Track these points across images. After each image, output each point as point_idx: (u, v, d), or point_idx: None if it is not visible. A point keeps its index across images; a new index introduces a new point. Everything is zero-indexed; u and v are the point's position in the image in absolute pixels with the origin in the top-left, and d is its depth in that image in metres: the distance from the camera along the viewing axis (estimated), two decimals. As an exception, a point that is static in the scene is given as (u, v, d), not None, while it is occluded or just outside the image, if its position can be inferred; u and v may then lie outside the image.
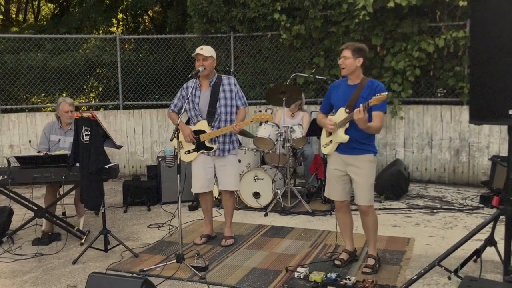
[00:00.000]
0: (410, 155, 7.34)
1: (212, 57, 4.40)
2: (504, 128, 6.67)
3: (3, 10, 15.03)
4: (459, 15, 6.79)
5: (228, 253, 4.35)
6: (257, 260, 4.16)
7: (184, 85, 4.57)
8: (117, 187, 7.15)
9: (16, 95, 8.34)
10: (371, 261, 3.85)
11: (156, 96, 8.96)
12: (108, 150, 4.55)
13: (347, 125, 3.69)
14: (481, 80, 3.09)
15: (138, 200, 6.15)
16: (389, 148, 7.43)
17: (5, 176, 4.44)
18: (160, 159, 6.27)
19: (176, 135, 3.98)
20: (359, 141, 3.72)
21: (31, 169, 4.52)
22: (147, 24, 14.04)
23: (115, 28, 13.52)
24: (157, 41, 8.61)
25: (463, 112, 6.92)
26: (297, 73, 7.46)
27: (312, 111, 6.78)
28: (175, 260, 3.91)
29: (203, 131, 4.43)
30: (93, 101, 10.20)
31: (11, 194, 4.55)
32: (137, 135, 8.28)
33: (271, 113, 6.47)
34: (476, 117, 3.16)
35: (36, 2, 15.47)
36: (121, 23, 13.92)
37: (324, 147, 3.93)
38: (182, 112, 4.27)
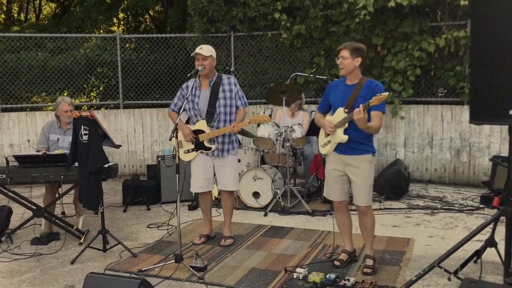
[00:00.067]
0: (411, 155, 7.31)
1: (212, 56, 4.38)
2: (505, 128, 6.62)
3: (5, 9, 15.03)
4: (460, 15, 6.76)
5: (227, 253, 4.33)
6: (256, 261, 4.14)
7: (184, 85, 4.55)
8: (117, 187, 7.14)
9: (16, 94, 8.33)
10: (370, 262, 3.84)
11: (157, 96, 8.95)
12: (108, 149, 4.54)
13: (346, 125, 3.68)
14: (481, 80, 3.07)
15: (138, 200, 6.13)
16: (390, 148, 7.41)
17: (4, 176, 4.43)
18: (159, 159, 6.26)
19: (175, 134, 3.97)
20: (358, 141, 3.70)
21: (29, 169, 4.51)
22: (148, 23, 14.03)
23: (116, 28, 13.50)
24: (157, 40, 8.60)
25: (464, 112, 6.89)
26: (297, 73, 7.44)
27: (312, 111, 6.76)
28: (173, 260, 3.90)
29: (202, 131, 4.42)
30: (94, 100, 10.19)
31: (9, 193, 4.55)
32: (137, 134, 8.27)
33: (271, 113, 6.47)
34: (477, 117, 3.13)
35: (38, 2, 15.47)
36: (122, 22, 13.92)
37: (323, 147, 3.91)
38: (181, 111, 4.26)
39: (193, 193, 5.55)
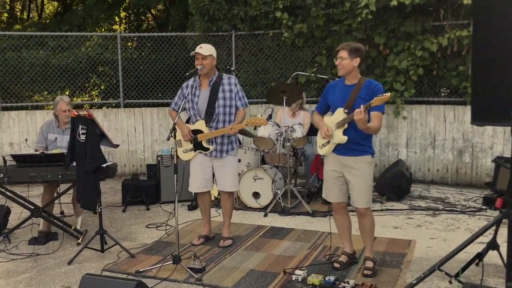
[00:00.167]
0: (413, 156, 7.26)
1: (212, 55, 4.33)
2: (508, 129, 6.56)
3: (8, 8, 15.03)
4: (463, 14, 6.69)
5: (226, 254, 4.29)
6: (255, 262, 4.10)
7: (185, 84, 4.51)
8: (116, 186, 7.10)
9: (16, 93, 8.31)
10: (370, 264, 3.79)
11: (159, 95, 8.91)
12: (109, 148, 4.50)
13: (346, 125, 3.63)
14: (483, 80, 3.00)
15: (137, 200, 6.10)
16: (392, 148, 7.35)
17: (1, 175, 4.40)
18: (159, 158, 6.22)
19: (173, 134, 3.94)
20: (357, 142, 3.65)
21: (27, 168, 4.48)
22: (150, 22, 13.99)
23: (117, 26, 13.47)
24: (158, 39, 8.56)
25: (467, 112, 6.83)
26: (298, 72, 7.39)
27: (313, 111, 6.69)
28: (171, 261, 3.86)
29: (201, 131, 4.38)
30: (96, 99, 10.16)
31: (7, 192, 4.52)
32: (138, 133, 8.23)
33: (272, 112, 6.42)
34: (478, 118, 3.06)
35: (40, 0, 15.47)
36: (123, 21, 13.88)
37: (321, 148, 3.86)
38: (180, 110, 4.22)
39: (193, 193, 5.51)
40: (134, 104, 8.60)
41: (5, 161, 4.48)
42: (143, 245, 4.60)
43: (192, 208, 5.88)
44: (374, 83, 3.65)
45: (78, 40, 9.10)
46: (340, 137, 3.65)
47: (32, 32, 10.14)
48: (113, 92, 8.62)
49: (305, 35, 7.54)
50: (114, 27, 13.36)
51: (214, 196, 5.89)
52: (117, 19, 13.43)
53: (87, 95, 10.28)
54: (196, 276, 3.72)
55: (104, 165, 4.30)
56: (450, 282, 3.47)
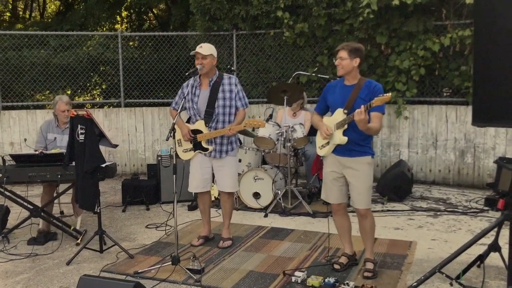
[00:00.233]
0: (414, 156, 7.22)
1: (212, 55, 4.30)
2: (511, 129, 6.55)
3: (10, 7, 15.04)
4: (466, 14, 6.64)
5: (225, 255, 4.26)
6: (255, 263, 4.07)
7: (185, 83, 4.49)
8: (117, 186, 7.08)
9: (18, 92, 8.30)
10: (370, 265, 3.76)
11: (161, 94, 8.89)
12: (109, 148, 4.47)
13: (346, 126, 3.60)
14: (484, 80, 2.96)
15: (137, 200, 6.08)
16: (393, 148, 7.31)
17: (0, 175, 4.38)
18: (159, 158, 6.20)
19: (172, 134, 3.91)
20: (357, 143, 3.62)
21: (26, 168, 4.47)
22: (152, 21, 13.97)
23: (119, 26, 13.46)
24: (160, 38, 8.54)
25: (469, 113, 6.76)
26: (299, 72, 7.36)
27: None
28: (170, 262, 3.84)
29: (200, 131, 4.35)
30: (98, 99, 10.15)
31: (6, 192, 4.50)
32: (139, 133, 8.21)
33: (272, 112, 6.38)
34: (479, 119, 3.02)
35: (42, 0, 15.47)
36: (125, 20, 13.87)
37: (320, 149, 3.83)
38: (179, 110, 4.20)
39: (193, 193, 5.48)
40: (135, 103, 8.58)
41: (4, 161, 4.47)
42: (143, 245, 4.58)
43: (192, 208, 5.86)
44: (373, 83, 3.62)
45: (80, 39, 9.08)
46: (340, 138, 3.62)
47: (34, 31, 10.12)
48: (114, 92, 8.60)
49: (306, 34, 7.50)
50: (116, 26, 13.35)
51: (214, 196, 5.86)
52: (118, 18, 13.42)
53: (88, 95, 10.26)
54: (195, 277, 3.70)
55: (103, 165, 4.27)
56: (451, 285, 3.44)
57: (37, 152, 4.62)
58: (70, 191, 4.99)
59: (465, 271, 3.47)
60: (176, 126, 4.17)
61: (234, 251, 4.39)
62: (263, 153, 6.16)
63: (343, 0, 7.12)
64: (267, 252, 4.35)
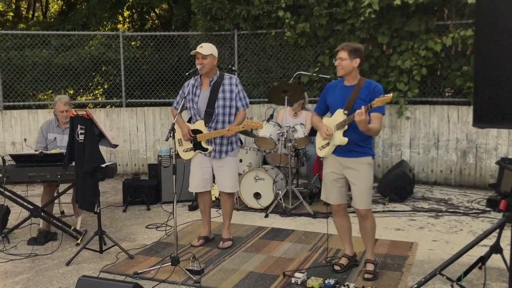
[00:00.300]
0: (416, 156, 7.19)
1: (212, 55, 4.29)
2: (513, 130, 6.52)
3: (13, 7, 15.05)
4: (468, 13, 6.61)
5: (225, 256, 4.25)
6: (255, 264, 4.06)
7: (186, 83, 4.48)
8: (118, 186, 7.07)
9: (19, 91, 8.31)
10: (371, 267, 3.75)
11: (162, 94, 8.88)
12: (110, 148, 4.46)
13: (346, 127, 3.58)
14: (485, 80, 2.93)
15: (138, 200, 6.07)
16: (395, 148, 7.29)
17: (0, 175, 4.37)
18: (160, 158, 6.19)
19: (171, 134, 3.90)
20: (357, 144, 3.61)
21: (26, 168, 4.46)
22: (154, 21, 13.96)
23: (121, 25, 13.46)
24: (161, 38, 8.53)
25: (471, 113, 6.72)
26: (300, 72, 7.34)
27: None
28: (170, 263, 3.82)
29: (200, 131, 4.34)
30: (100, 98, 10.15)
31: (6, 192, 4.50)
32: (140, 133, 8.21)
33: (273, 112, 6.36)
34: (480, 120, 2.98)
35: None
36: (127, 20, 13.86)
37: (320, 150, 3.82)
38: (180, 110, 4.19)
39: (193, 193, 5.47)
40: (137, 103, 8.58)
41: (4, 161, 4.46)
42: (143, 246, 4.57)
43: (192, 208, 5.85)
44: (374, 84, 3.60)
45: (82, 39, 9.08)
46: (340, 139, 3.60)
47: (36, 31, 10.13)
48: (116, 92, 8.59)
49: (307, 34, 7.48)
50: (118, 26, 13.35)
51: (215, 197, 5.85)
52: (120, 18, 13.42)
53: (90, 94, 10.26)
54: (195, 278, 3.69)
55: (103, 165, 4.27)
56: (452, 287, 3.41)
57: (37, 152, 4.62)
58: (71, 191, 4.98)
59: (466, 273, 3.45)
60: (176, 126, 4.17)
61: (234, 251, 4.37)
62: (264, 153, 6.14)
63: (344, 0, 7.09)
64: (267, 252, 4.33)
